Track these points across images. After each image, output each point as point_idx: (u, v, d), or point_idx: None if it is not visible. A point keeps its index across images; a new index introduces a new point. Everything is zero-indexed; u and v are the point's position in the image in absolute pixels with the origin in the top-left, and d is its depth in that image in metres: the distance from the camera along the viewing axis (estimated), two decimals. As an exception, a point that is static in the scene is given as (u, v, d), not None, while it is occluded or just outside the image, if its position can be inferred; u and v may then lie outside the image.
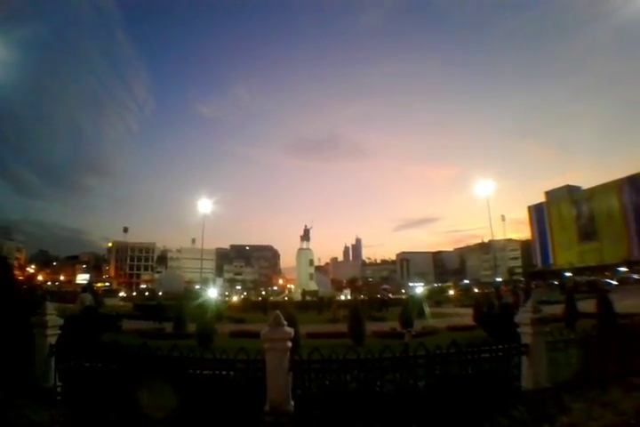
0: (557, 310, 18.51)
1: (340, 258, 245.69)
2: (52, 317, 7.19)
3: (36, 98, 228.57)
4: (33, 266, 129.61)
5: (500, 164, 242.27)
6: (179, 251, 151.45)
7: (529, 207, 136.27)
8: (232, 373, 5.92)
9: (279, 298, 60.07)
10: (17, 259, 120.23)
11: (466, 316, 24.29)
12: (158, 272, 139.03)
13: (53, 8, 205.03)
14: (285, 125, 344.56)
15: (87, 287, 29.49)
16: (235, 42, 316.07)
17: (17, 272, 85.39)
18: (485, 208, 51.26)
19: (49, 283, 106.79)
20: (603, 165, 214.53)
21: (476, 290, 64.61)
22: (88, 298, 20.16)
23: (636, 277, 59.24)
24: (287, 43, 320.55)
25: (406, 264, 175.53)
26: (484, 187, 51.42)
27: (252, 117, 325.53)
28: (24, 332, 7.12)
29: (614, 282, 55.68)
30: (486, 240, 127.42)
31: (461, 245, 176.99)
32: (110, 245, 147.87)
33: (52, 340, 7.06)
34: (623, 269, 79.54)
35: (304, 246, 65.19)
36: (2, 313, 7.38)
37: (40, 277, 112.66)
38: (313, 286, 59.98)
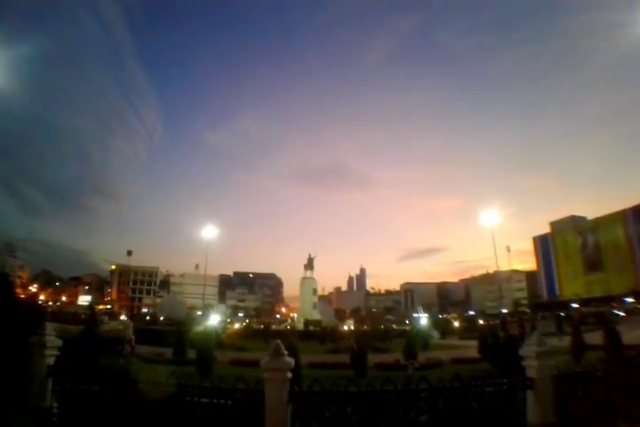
0: (564, 342, 18.25)
1: (344, 288, 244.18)
2: (52, 337, 7.15)
3: (45, 119, 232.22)
4: (35, 285, 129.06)
5: (503, 194, 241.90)
6: (181, 276, 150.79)
7: (534, 238, 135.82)
8: (230, 402, 5.81)
9: (281, 327, 59.43)
10: (19, 277, 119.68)
11: (471, 348, 23.98)
12: (160, 297, 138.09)
13: (68, 32, 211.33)
14: (291, 155, 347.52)
15: (131, 315, 29.86)
16: (243, 73, 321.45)
17: (19, 290, 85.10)
18: (490, 239, 51.23)
19: (50, 303, 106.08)
20: (606, 196, 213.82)
21: (481, 322, 63.64)
22: (130, 326, 20.73)
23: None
24: (294, 75, 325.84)
25: (410, 295, 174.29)
26: (489, 217, 51.60)
27: (258, 147, 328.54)
28: (22, 351, 7.09)
29: (621, 313, 54.98)
30: (491, 271, 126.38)
31: (466, 275, 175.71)
32: (113, 267, 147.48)
33: (51, 360, 7.02)
34: (630, 299, 78.49)
35: (308, 275, 64.94)
36: (1, 331, 7.36)
37: (42, 297, 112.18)
38: (316, 316, 59.40)
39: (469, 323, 60.62)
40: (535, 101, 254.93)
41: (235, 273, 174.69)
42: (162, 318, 77.68)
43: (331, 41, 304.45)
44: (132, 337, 22.14)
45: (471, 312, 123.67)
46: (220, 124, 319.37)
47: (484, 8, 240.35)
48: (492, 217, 51.60)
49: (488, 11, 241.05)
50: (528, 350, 6.62)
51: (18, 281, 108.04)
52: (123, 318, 79.70)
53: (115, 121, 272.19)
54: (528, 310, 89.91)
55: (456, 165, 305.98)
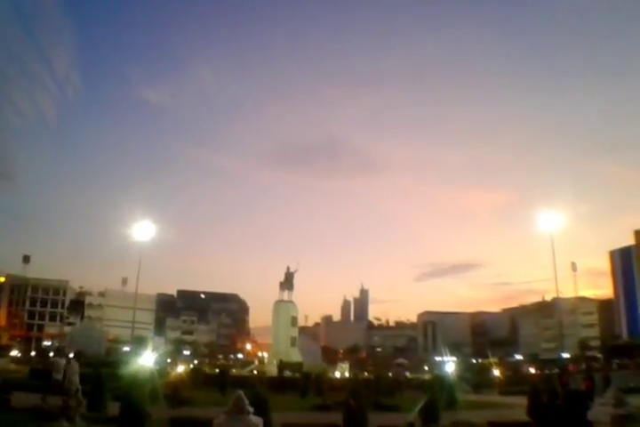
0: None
1: (337, 317, 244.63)
2: None
3: None
4: None
5: (568, 191, 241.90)
6: (102, 295, 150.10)
7: (611, 253, 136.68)
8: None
9: (245, 371, 59.52)
10: None
11: (517, 407, 24.15)
12: (70, 324, 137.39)
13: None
14: (266, 125, 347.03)
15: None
16: (199, 6, 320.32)
17: None
18: (548, 252, 51.34)
19: None
20: None
21: (533, 370, 64.30)
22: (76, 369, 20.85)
23: None
24: (271, 8, 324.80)
25: (432, 329, 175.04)
26: (547, 222, 51.55)
27: (219, 111, 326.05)
28: None
29: None
30: (549, 298, 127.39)
31: (512, 304, 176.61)
32: (2, 280, 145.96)
33: None
34: None
35: (285, 298, 64.93)
36: None
37: None
38: (295, 356, 59.51)
39: (515, 372, 61.16)
40: (618, 65, 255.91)
41: (179, 292, 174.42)
42: (71, 356, 77.45)
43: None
44: (79, 387, 22.03)
45: (518, 356, 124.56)
46: (164, 76, 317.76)
47: None
48: (551, 221, 51.64)
49: None
50: (600, 412, 6.66)
51: None
52: (61, 357, 79.14)
53: (9, 67, 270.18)
54: (600, 356, 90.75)
55: (500, 146, 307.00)
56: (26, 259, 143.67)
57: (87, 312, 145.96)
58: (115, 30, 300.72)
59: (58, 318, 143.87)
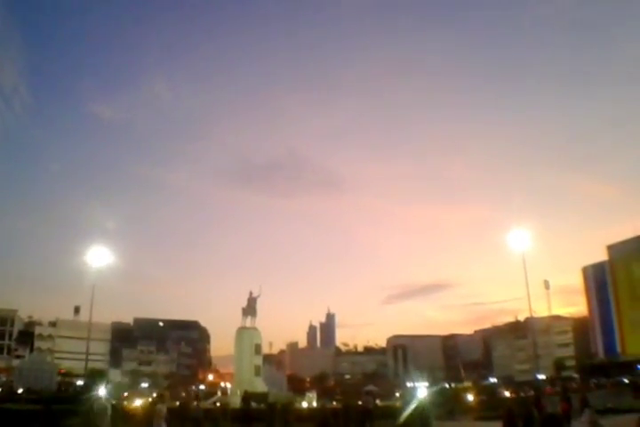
0: (629, 421, 18.68)
1: (303, 343, 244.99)
2: None
3: None
4: None
5: (539, 207, 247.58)
6: (53, 325, 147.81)
7: (584, 269, 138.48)
8: None
9: (208, 403, 58.88)
10: None
11: (492, 433, 24.30)
12: (19, 357, 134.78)
13: None
14: (225, 142, 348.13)
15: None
16: (152, 16, 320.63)
17: None
18: (520, 271, 51.77)
19: None
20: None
21: (507, 393, 64.69)
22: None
23: None
24: (230, 22, 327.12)
25: (402, 353, 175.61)
26: (518, 239, 52.00)
27: (176, 127, 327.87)
28: None
29: None
30: (522, 318, 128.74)
31: (485, 324, 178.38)
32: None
33: None
34: None
35: (248, 324, 64.47)
36: None
37: None
38: (260, 386, 59.08)
39: (490, 395, 61.45)
40: (586, 77, 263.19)
41: (136, 320, 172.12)
42: (20, 391, 75.78)
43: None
44: None
45: (493, 379, 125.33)
46: (117, 90, 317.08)
47: None
48: (523, 238, 52.09)
49: None
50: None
51: None
52: None
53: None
54: (576, 376, 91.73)
55: (466, 157, 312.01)
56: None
57: (37, 344, 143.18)
58: (66, 45, 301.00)
59: (5, 350, 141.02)
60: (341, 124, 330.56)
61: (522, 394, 56.78)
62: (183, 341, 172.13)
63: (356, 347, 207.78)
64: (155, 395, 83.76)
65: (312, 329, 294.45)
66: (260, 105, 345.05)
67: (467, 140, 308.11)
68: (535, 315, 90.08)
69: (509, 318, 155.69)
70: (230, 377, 77.48)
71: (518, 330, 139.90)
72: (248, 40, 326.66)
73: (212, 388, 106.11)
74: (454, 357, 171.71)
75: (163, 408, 26.19)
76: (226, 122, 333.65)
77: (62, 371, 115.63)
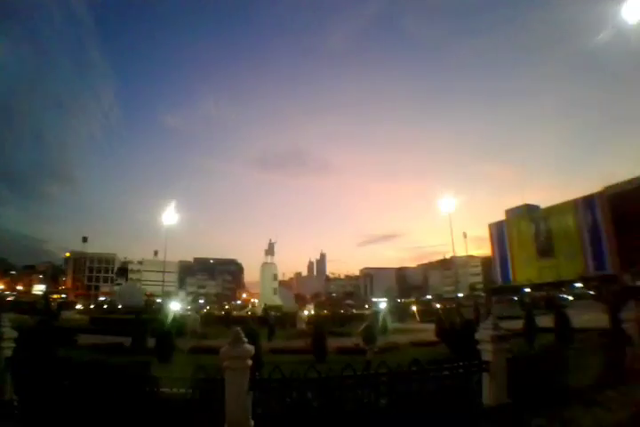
0: (517, 325, 18.89)
1: (305, 273, 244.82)
2: (7, 329, 6.92)
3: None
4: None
5: (462, 182, 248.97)
6: (140, 263, 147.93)
7: (490, 225, 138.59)
8: (190, 391, 5.74)
9: (242, 313, 59.22)
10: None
11: (428, 331, 24.50)
12: (118, 284, 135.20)
13: (20, 7, 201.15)
14: (252, 139, 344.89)
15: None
16: (204, 54, 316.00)
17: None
18: (447, 225, 52.07)
19: (7, 292, 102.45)
20: (562, 186, 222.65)
21: (438, 305, 65.09)
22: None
23: (591, 292, 61.11)
24: (256, 58, 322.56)
25: (370, 280, 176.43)
26: (446, 204, 52.15)
27: (218, 130, 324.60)
28: None
29: (570, 297, 57.64)
30: (448, 257, 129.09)
31: (424, 261, 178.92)
32: (68, 255, 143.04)
33: (8, 353, 6.78)
34: (579, 284, 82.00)
35: (268, 261, 64.64)
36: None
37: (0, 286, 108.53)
38: (277, 301, 59.42)
39: (427, 307, 61.87)
40: (494, 91, 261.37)
41: (195, 259, 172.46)
42: (120, 307, 76.04)
43: (293, 25, 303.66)
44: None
45: (429, 296, 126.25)
46: (179, 105, 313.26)
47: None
48: (449, 203, 52.08)
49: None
50: (484, 333, 6.77)
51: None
52: (78, 306, 77.54)
53: (70, 102, 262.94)
54: (483, 295, 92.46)
55: (415, 150, 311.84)
56: (84, 239, 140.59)
57: (130, 275, 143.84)
58: (146, 72, 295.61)
59: (109, 280, 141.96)
60: (332, 128, 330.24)
61: (447, 306, 57.11)
62: (225, 272, 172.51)
63: (339, 275, 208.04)
64: (208, 308, 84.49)
65: (311, 263, 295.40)
66: (279, 116, 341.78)
67: (417, 139, 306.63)
68: (457, 255, 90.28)
69: (440, 257, 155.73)
70: (257, 296, 77.73)
71: (446, 265, 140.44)
72: (270, 71, 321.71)
73: (245, 302, 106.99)
74: (404, 282, 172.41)
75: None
76: (254, 126, 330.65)
77: (147, 293, 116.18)
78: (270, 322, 27.63)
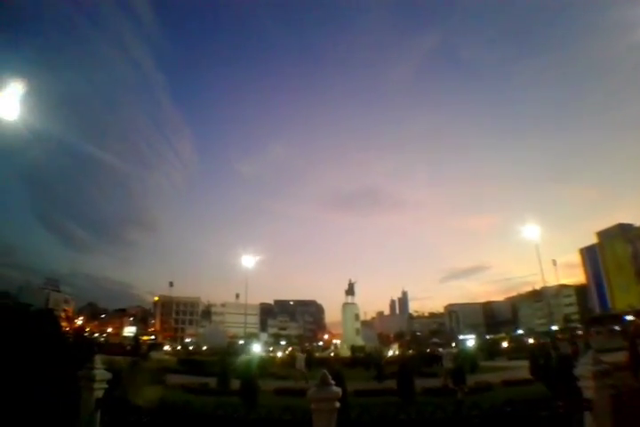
0: (620, 357, 17.47)
1: (387, 312, 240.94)
2: (101, 371, 7.20)
3: (85, 155, 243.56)
4: (81, 318, 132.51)
5: (542, 207, 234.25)
6: (223, 305, 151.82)
7: (581, 250, 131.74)
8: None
9: (325, 354, 58.78)
10: (64, 310, 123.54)
11: (521, 369, 23.24)
12: (202, 326, 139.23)
13: (100, 68, 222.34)
14: (323, 181, 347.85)
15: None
16: (271, 102, 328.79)
17: (64, 323, 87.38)
18: (533, 253, 49.83)
19: (97, 334, 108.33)
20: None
21: (531, 341, 61.65)
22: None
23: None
24: (321, 100, 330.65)
25: (455, 316, 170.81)
26: (531, 231, 50.15)
27: (289, 174, 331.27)
28: (71, 385, 7.18)
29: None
30: (538, 287, 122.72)
31: (512, 293, 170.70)
32: (156, 299, 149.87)
33: (99, 394, 7.06)
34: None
35: (349, 301, 64.25)
36: (47, 364, 7.47)
37: (88, 329, 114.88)
38: (359, 341, 58.59)
39: (518, 343, 58.81)
40: (564, 110, 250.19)
41: (275, 301, 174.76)
42: (204, 348, 78.08)
43: (354, 63, 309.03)
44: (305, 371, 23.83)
45: (520, 331, 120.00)
46: (251, 153, 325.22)
47: (503, 18, 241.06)
48: (533, 230, 50.15)
49: (508, 20, 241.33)
50: (583, 369, 6.36)
51: (63, 314, 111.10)
52: (166, 347, 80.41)
53: (151, 154, 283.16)
54: (580, 326, 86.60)
55: (489, 181, 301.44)
56: (171, 284, 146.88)
57: (213, 318, 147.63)
58: (219, 124, 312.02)
59: (194, 323, 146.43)
60: (400, 165, 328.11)
61: (541, 341, 53.97)
62: (306, 313, 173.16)
63: (423, 313, 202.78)
64: (290, 349, 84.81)
65: (392, 302, 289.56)
66: (347, 156, 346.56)
67: (486, 169, 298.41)
68: (547, 285, 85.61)
69: (529, 288, 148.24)
70: (339, 336, 77.15)
71: (536, 296, 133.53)
72: (333, 115, 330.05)
73: (327, 344, 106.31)
74: (491, 317, 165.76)
75: (302, 356, 27.56)
76: (323, 168, 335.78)
77: (230, 335, 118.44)
78: (379, 362, 27.27)
